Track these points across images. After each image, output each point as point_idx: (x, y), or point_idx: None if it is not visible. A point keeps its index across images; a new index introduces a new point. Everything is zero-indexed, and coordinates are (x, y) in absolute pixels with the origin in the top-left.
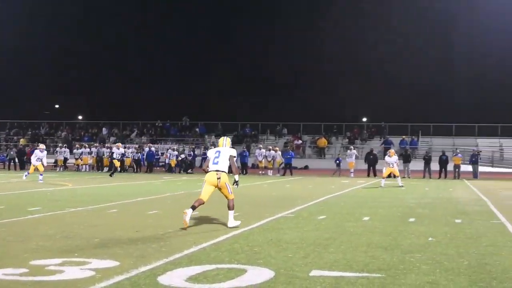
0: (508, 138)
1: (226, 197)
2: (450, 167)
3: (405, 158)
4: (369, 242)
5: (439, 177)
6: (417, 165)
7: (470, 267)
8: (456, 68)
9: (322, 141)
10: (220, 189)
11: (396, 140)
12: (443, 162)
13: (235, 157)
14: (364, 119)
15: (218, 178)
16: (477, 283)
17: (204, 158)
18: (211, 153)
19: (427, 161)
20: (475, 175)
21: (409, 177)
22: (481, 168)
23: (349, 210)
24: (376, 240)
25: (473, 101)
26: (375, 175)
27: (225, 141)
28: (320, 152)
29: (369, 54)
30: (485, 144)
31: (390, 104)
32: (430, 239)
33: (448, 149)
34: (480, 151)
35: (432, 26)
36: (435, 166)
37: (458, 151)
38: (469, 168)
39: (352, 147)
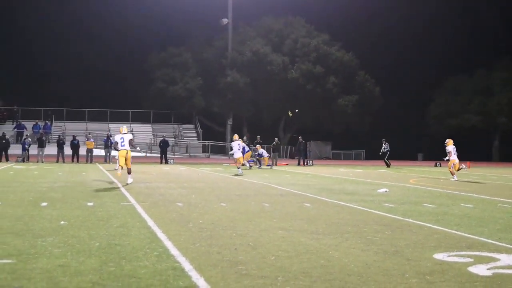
0: (138, 124)
1: None
2: (82, 151)
3: (40, 142)
4: None
5: (72, 161)
6: (51, 149)
7: (101, 248)
8: (88, 53)
9: None
10: None
11: (29, 124)
12: (75, 146)
13: None
14: None
15: None
16: (107, 263)
17: None
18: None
19: (61, 145)
20: (107, 159)
21: (42, 162)
22: (98, 152)
23: None
24: (6, 226)
25: (106, 87)
26: (7, 159)
27: None
28: None
29: None
30: (117, 129)
31: (23, 87)
32: (62, 222)
33: (81, 134)
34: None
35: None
36: (68, 150)
37: (90, 135)
38: (102, 152)
39: None
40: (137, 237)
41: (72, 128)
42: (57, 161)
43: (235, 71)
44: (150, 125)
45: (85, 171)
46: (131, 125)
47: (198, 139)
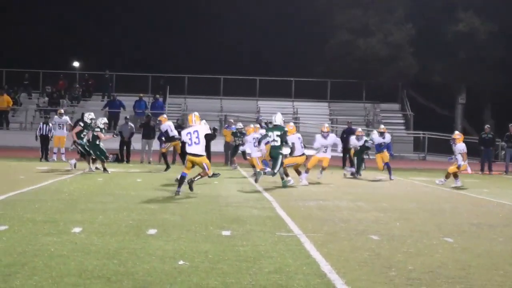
0: (306, 101)
1: None
2: (217, 147)
3: (146, 130)
4: (82, 269)
5: None
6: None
7: None
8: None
9: (5, 100)
10: None
11: (129, 100)
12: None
13: None
14: (76, 64)
15: None
16: None
17: None
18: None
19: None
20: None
21: (149, 162)
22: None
23: (50, 215)
24: (92, 266)
25: (254, 44)
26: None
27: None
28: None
29: None
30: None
31: (118, 42)
32: (181, 262)
33: (212, 117)
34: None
35: None
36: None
37: (233, 121)
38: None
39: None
40: None
41: (198, 107)
42: (174, 162)
43: (472, 14)
44: (326, 104)
45: (219, 179)
46: (294, 103)
47: (406, 129)
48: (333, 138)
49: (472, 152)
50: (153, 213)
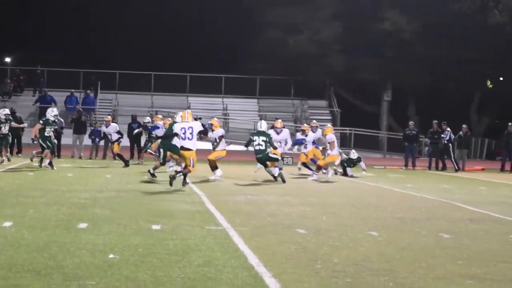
0: (235, 97)
1: None
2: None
3: (77, 125)
4: (12, 263)
5: (131, 157)
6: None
7: None
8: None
9: None
10: None
11: (60, 95)
12: (135, 133)
13: None
14: (7, 60)
15: None
16: None
17: None
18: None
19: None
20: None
21: (80, 157)
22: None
23: None
24: (22, 260)
25: (184, 40)
26: (19, 151)
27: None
28: None
29: None
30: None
31: (51, 38)
32: (111, 256)
33: (142, 113)
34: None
35: None
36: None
37: (160, 116)
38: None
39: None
40: (231, 283)
41: (129, 103)
42: (104, 157)
43: (398, 12)
44: (256, 100)
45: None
46: (224, 99)
47: (333, 125)
48: (286, 133)
49: (396, 148)
50: (84, 207)
